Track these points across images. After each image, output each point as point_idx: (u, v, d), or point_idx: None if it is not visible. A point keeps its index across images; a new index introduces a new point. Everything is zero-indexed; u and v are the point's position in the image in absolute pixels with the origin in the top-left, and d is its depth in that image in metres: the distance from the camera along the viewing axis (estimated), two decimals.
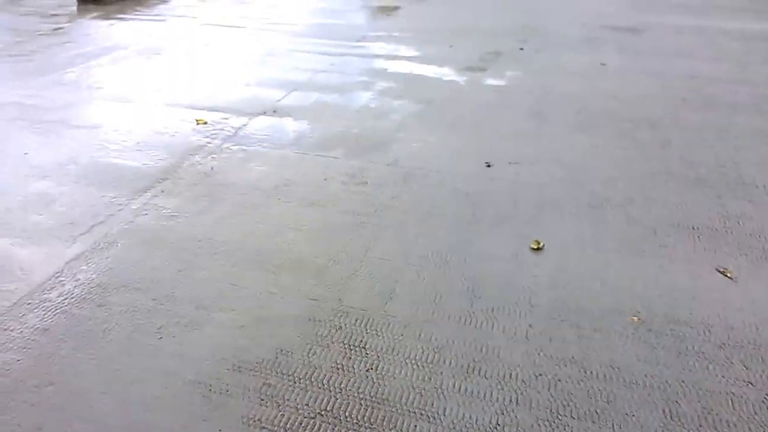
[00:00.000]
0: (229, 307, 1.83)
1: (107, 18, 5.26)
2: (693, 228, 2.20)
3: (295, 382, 1.55)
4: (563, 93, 3.47)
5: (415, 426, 1.43)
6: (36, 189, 2.47)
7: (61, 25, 4.98)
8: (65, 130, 3.00)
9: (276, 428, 1.43)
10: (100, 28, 4.91)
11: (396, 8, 5.54)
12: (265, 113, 3.20)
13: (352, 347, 1.67)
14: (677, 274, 1.96)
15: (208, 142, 2.87)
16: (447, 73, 3.82)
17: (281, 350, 1.66)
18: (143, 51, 4.29)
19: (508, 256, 2.05)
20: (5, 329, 1.74)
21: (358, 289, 1.90)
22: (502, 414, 1.46)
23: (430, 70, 3.88)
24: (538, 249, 2.08)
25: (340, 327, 1.75)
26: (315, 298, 1.86)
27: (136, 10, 5.58)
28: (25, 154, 2.76)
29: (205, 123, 3.06)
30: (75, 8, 5.60)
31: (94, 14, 5.38)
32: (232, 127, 3.03)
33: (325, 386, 1.54)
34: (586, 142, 2.87)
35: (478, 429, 1.43)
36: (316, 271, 1.98)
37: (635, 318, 1.78)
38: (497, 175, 2.57)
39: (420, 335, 1.71)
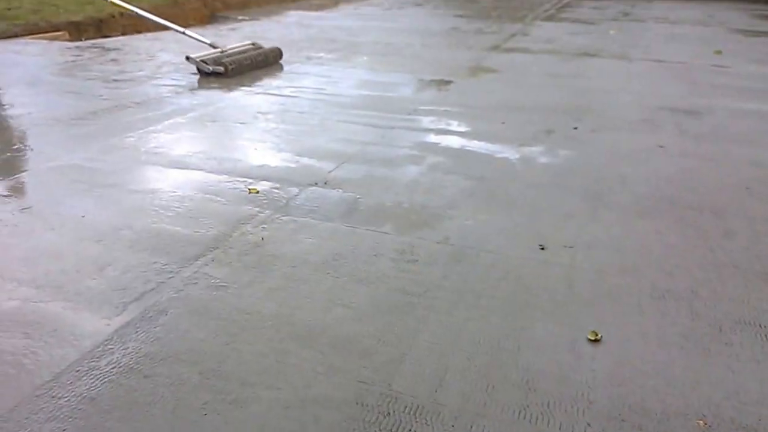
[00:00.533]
0: (275, 385, 1.79)
1: (168, 85, 5.48)
2: (760, 326, 2.09)
3: None
4: (620, 176, 3.42)
5: None
6: (91, 252, 2.51)
7: (122, 89, 5.20)
8: (122, 195, 3.07)
9: None
10: (158, 94, 5.11)
11: (448, 83, 5.63)
12: (316, 184, 3.23)
13: None
14: (745, 375, 1.85)
15: (259, 212, 2.90)
16: (499, 150, 3.82)
17: None
18: (199, 118, 4.43)
19: (564, 346, 1.96)
20: (54, 396, 1.73)
21: (407, 373, 1.84)
22: None
23: (482, 146, 3.89)
24: (596, 340, 2.00)
25: (388, 413, 1.68)
26: (363, 380, 1.80)
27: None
28: (82, 216, 2.82)
29: (257, 192, 3.10)
30: (135, 74, 5.86)
31: (153, 82, 5.61)
32: (284, 197, 3.07)
33: None
34: (646, 229, 2.80)
35: None
36: (365, 352, 1.93)
37: (701, 422, 1.67)
38: (551, 258, 2.51)
39: (472, 427, 1.63)
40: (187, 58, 5.74)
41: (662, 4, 12.44)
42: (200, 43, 6.25)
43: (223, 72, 5.59)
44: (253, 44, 6.42)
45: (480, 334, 2.03)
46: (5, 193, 3.08)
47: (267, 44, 6.51)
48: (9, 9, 8.84)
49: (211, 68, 5.62)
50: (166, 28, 6.47)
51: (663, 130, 4.28)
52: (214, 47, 6.08)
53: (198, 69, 5.71)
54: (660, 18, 10.45)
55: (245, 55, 6.01)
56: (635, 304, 2.21)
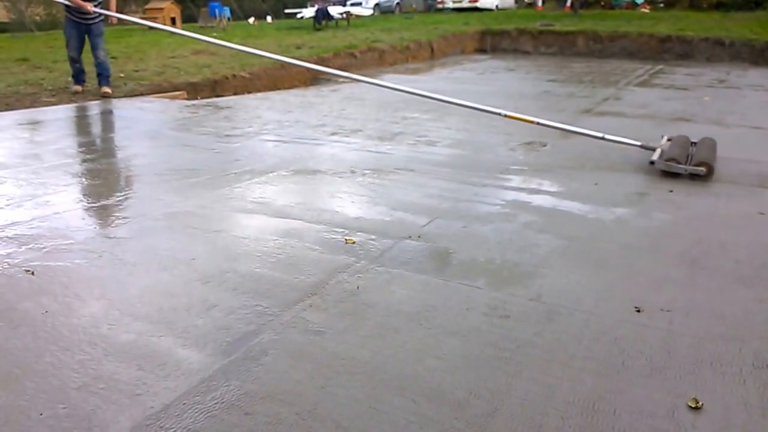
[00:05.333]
0: (368, 430, 1.83)
1: (274, 141, 5.81)
2: None
3: None
4: (718, 240, 3.31)
5: None
6: (199, 293, 2.69)
7: (233, 144, 5.56)
8: (228, 240, 3.28)
9: None
10: (265, 149, 5.43)
11: (540, 144, 5.67)
12: (410, 238, 3.32)
13: None
14: None
15: (355, 262, 3.01)
16: (592, 211, 3.79)
17: None
18: (300, 171, 4.67)
19: (663, 412, 1.91)
20: (162, 427, 1.85)
21: (499, 428, 1.84)
22: None
23: (574, 206, 3.87)
24: (696, 408, 1.93)
25: None
26: None
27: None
28: (193, 259, 3.03)
29: (354, 243, 3.23)
30: (244, 130, 6.25)
31: (260, 137, 5.96)
32: (378, 248, 3.17)
33: None
34: (747, 296, 2.69)
35: None
36: (457, 404, 1.95)
37: None
38: (648, 322, 2.46)
39: None
40: (652, 163, 4.71)
41: (758, 71, 12.01)
42: (626, 144, 5.24)
43: (704, 174, 4.44)
44: (683, 136, 5.33)
45: (574, 394, 2.01)
46: (126, 236, 3.35)
47: (366, 104, 6.74)
48: (136, 71, 9.72)
49: (686, 170, 4.50)
50: (291, 86, 6.51)
51: (763, 196, 4.11)
52: (647, 147, 5.09)
53: (669, 171, 4.58)
54: (756, 85, 10.09)
55: (706, 146, 4.94)
56: (737, 373, 2.12)
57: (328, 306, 2.58)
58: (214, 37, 8.42)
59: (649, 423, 1.86)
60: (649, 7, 24.91)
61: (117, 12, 8.44)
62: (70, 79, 8.37)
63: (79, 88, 8.20)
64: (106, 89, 8.08)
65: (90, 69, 8.20)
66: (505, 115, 5.49)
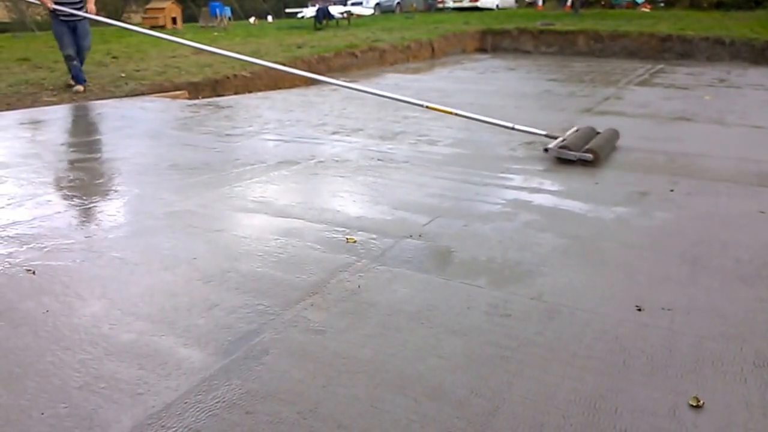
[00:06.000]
0: (370, 430, 1.83)
1: (275, 140, 5.82)
2: None
3: None
4: (719, 240, 3.31)
5: None
6: (200, 292, 2.69)
7: (234, 143, 5.56)
8: (229, 240, 3.28)
9: None
10: (265, 148, 5.43)
11: (544, 143, 5.66)
12: (411, 237, 3.32)
13: None
14: None
15: (356, 261, 3.01)
16: (592, 210, 3.79)
17: None
18: (302, 170, 4.67)
19: (664, 411, 1.91)
20: (163, 426, 1.85)
21: (501, 427, 1.84)
22: None
23: (575, 205, 3.87)
24: (697, 406, 1.93)
25: None
26: (456, 431, 1.82)
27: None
28: (194, 258, 3.03)
29: (355, 242, 3.23)
30: (245, 129, 6.25)
31: (261, 136, 5.96)
32: (380, 247, 3.17)
33: None
34: (748, 295, 2.69)
35: None
36: (458, 403, 1.95)
37: None
38: (649, 321, 2.45)
39: None
40: (546, 150, 5.08)
41: (758, 71, 12.01)
42: (535, 134, 5.67)
43: (591, 160, 4.83)
44: (587, 127, 5.71)
45: (576, 393, 2.01)
46: (127, 235, 3.35)
47: (368, 103, 6.76)
48: (138, 70, 9.73)
49: (576, 156, 4.89)
50: (292, 86, 6.62)
51: (764, 195, 4.11)
52: (551, 136, 5.46)
53: (560, 158, 4.97)
54: (756, 84, 10.08)
55: (600, 137, 5.35)
56: (738, 371, 2.12)
57: (330, 305, 2.58)
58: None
59: (650, 422, 1.86)
60: (649, 7, 24.92)
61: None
62: (71, 81, 8.34)
63: (81, 88, 8.19)
64: (78, 86, 8.28)
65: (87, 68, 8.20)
66: (426, 107, 5.93)
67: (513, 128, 5.61)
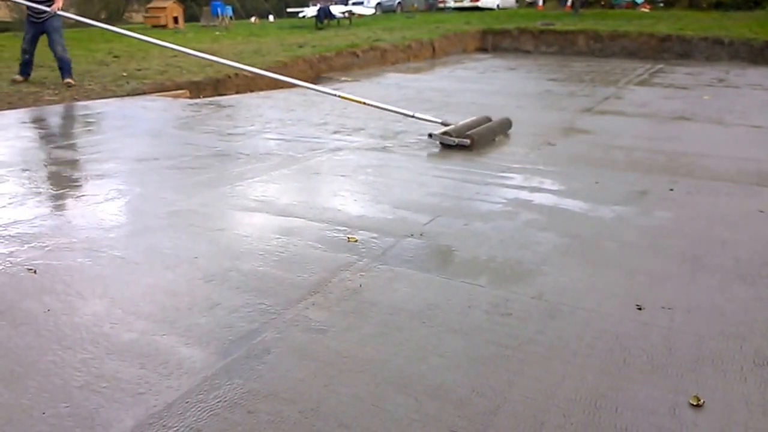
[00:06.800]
0: (371, 429, 1.84)
1: (276, 139, 5.82)
2: None
3: None
4: (719, 239, 3.32)
5: None
6: (202, 291, 2.69)
7: (235, 142, 5.57)
8: (231, 239, 3.28)
9: None
10: (267, 147, 5.43)
11: (542, 143, 5.67)
12: (412, 236, 3.32)
13: None
14: None
15: (358, 260, 3.01)
16: (593, 209, 3.79)
17: None
18: (303, 170, 4.68)
19: (664, 410, 1.91)
20: (165, 426, 1.85)
21: (502, 425, 1.85)
22: None
23: (575, 205, 3.87)
24: (698, 405, 1.93)
25: None
26: (457, 430, 1.82)
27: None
28: (196, 258, 3.03)
29: (356, 241, 3.23)
30: (246, 129, 6.26)
31: (262, 136, 5.96)
32: (381, 247, 3.17)
33: None
34: (748, 294, 2.69)
35: None
36: (459, 402, 1.95)
37: None
38: (649, 319, 2.46)
39: None
40: (430, 135, 5.55)
41: (757, 70, 12.02)
42: (432, 122, 6.05)
43: (468, 145, 5.30)
44: (485, 117, 6.14)
45: (576, 391, 2.01)
46: (129, 234, 3.35)
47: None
48: (139, 70, 9.73)
49: (455, 141, 5.35)
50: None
51: (763, 195, 4.11)
52: (446, 124, 5.84)
53: (442, 143, 5.45)
54: (755, 84, 10.09)
55: (484, 126, 5.77)
56: (738, 370, 2.13)
57: (331, 304, 2.59)
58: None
59: (650, 420, 1.87)
60: (648, 7, 24.91)
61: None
62: (17, 77, 8.64)
63: (19, 78, 8.57)
64: (69, 80, 8.48)
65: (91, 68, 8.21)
66: (340, 97, 6.44)
67: (413, 116, 6.12)
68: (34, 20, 8.26)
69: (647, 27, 15.81)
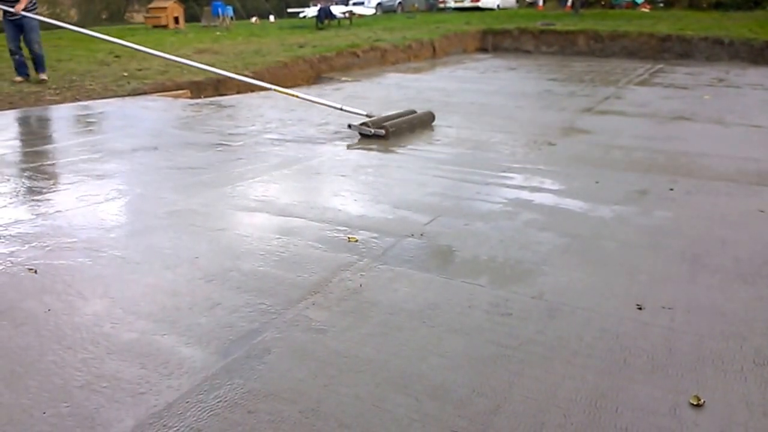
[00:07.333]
0: (371, 428, 1.84)
1: (277, 139, 5.82)
2: None
3: None
4: (719, 239, 3.32)
5: None
6: (202, 291, 2.69)
7: (236, 142, 5.57)
8: (231, 239, 3.29)
9: None
10: (267, 147, 5.43)
11: (541, 142, 5.67)
12: (412, 236, 3.33)
13: None
14: None
15: (358, 260, 3.01)
16: (593, 209, 3.79)
17: None
18: (304, 170, 4.68)
19: (665, 410, 1.91)
20: (165, 426, 1.85)
21: (502, 426, 1.85)
22: None
23: (576, 204, 3.87)
24: (698, 405, 1.93)
25: None
26: (457, 430, 1.83)
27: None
28: (196, 258, 3.03)
29: (356, 241, 3.23)
30: (247, 129, 6.25)
31: (263, 136, 5.97)
32: (381, 247, 3.18)
33: None
34: (748, 294, 2.69)
35: None
36: (459, 402, 1.95)
37: None
38: (649, 319, 2.46)
39: None
40: (350, 126, 5.92)
41: (757, 70, 12.02)
42: (357, 114, 6.28)
43: (383, 135, 5.70)
44: (410, 111, 6.52)
45: (576, 392, 2.01)
46: (129, 234, 3.36)
47: (370, 102, 6.83)
48: (140, 70, 9.74)
49: (372, 131, 5.73)
50: (294, 84, 6.95)
51: (763, 194, 4.11)
52: (370, 116, 6.15)
53: (360, 133, 5.84)
54: (756, 84, 10.09)
55: (402, 119, 6.15)
56: (738, 370, 2.13)
57: (331, 304, 2.59)
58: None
59: (650, 420, 1.87)
60: (649, 7, 24.90)
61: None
62: (17, 78, 8.70)
63: (19, 78, 8.63)
64: (43, 76, 8.75)
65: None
66: (274, 90, 6.75)
67: (342, 109, 6.37)
68: (10, 19, 8.42)
69: (647, 27, 15.80)
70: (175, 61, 7.55)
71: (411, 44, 14.53)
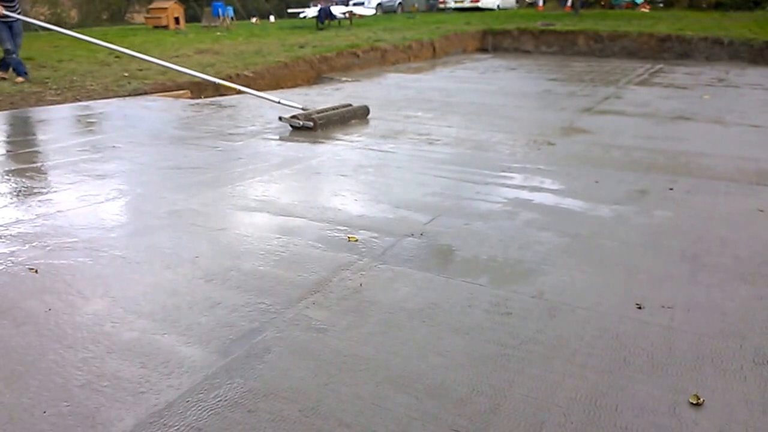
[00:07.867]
0: (371, 427, 1.84)
1: (277, 139, 5.83)
2: None
3: None
4: (718, 238, 3.32)
5: None
6: (202, 291, 2.70)
7: (236, 142, 5.57)
8: (231, 238, 3.29)
9: None
10: (268, 147, 5.44)
11: (541, 142, 5.67)
12: (412, 235, 3.33)
13: None
14: None
15: (358, 260, 3.02)
16: (593, 208, 3.80)
17: None
18: (304, 170, 4.69)
19: (664, 409, 1.92)
20: (165, 425, 1.86)
21: (502, 425, 1.85)
22: None
23: (575, 204, 3.88)
24: (697, 404, 1.94)
25: None
26: (458, 429, 1.83)
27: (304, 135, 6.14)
28: (196, 257, 3.04)
29: (356, 241, 3.24)
30: (247, 129, 6.27)
31: (263, 136, 5.98)
32: (381, 246, 3.18)
33: None
34: (748, 293, 2.69)
35: None
36: (459, 401, 1.96)
37: None
38: (649, 318, 2.46)
39: None
40: (280, 118, 6.26)
41: (756, 70, 12.02)
42: (293, 108, 6.79)
43: (312, 126, 6.08)
44: (345, 105, 6.92)
45: (576, 390, 2.01)
46: (130, 233, 3.36)
47: (370, 102, 6.89)
48: (140, 70, 9.74)
49: (301, 123, 6.12)
50: (296, 84, 7.11)
51: (762, 194, 4.12)
52: (305, 109, 6.59)
53: (291, 125, 6.20)
54: (755, 84, 10.09)
55: (334, 111, 6.52)
56: (738, 369, 2.13)
57: (331, 303, 2.59)
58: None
59: (650, 419, 1.87)
60: (648, 7, 24.91)
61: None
62: (19, 78, 8.77)
63: (19, 79, 8.74)
64: (3, 75, 9.00)
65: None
66: (217, 83, 7.33)
67: (279, 102, 6.86)
68: (3, 21, 8.59)
69: (647, 27, 15.81)
70: (149, 61, 7.75)
71: (411, 44, 14.53)
